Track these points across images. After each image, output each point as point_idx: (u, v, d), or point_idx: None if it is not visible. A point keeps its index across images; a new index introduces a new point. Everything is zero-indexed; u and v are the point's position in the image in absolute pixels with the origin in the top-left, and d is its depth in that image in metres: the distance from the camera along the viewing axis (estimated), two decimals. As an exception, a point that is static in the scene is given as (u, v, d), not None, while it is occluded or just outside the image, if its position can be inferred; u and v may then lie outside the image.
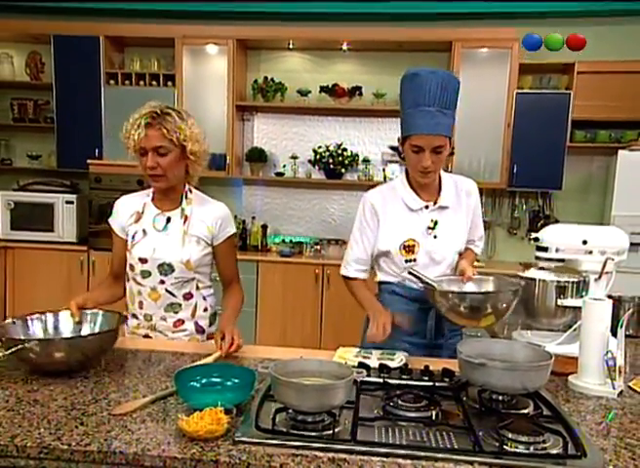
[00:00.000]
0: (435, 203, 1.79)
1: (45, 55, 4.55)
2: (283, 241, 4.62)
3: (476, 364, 1.26)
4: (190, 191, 1.83)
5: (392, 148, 1.82)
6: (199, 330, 1.86)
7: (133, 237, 1.78)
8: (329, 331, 4.19)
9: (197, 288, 1.83)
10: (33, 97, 4.66)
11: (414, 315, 1.77)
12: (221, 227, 1.81)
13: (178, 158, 1.70)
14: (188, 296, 1.82)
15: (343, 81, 4.34)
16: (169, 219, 1.78)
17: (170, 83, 4.36)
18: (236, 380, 1.28)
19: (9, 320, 1.46)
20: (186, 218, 1.77)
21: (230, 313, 1.86)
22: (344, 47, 4.30)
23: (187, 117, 1.72)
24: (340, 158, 4.41)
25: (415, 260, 1.77)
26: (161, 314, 1.79)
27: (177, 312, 1.80)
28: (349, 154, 4.46)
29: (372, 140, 4.58)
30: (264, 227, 4.56)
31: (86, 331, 1.50)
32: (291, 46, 4.40)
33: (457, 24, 4.17)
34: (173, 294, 1.79)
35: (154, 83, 4.37)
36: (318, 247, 4.46)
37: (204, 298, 1.88)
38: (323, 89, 4.33)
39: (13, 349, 1.28)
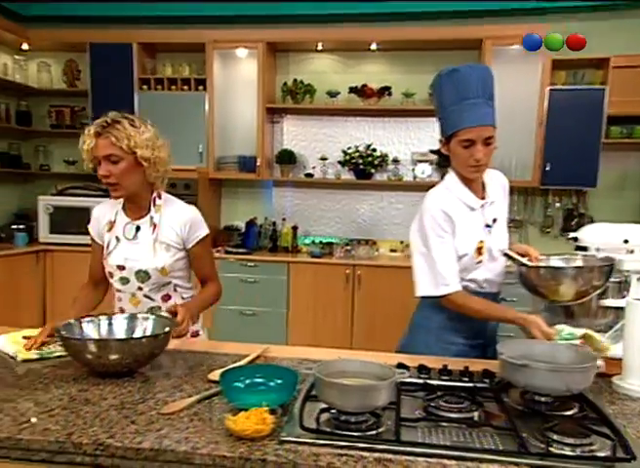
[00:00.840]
0: (484, 198, 1.77)
1: (81, 62, 4.68)
2: (313, 242, 4.64)
3: (519, 365, 1.25)
4: (159, 196, 1.83)
5: (433, 152, 1.77)
6: None
7: (107, 245, 1.82)
8: (360, 331, 4.19)
9: (175, 289, 1.86)
10: (70, 103, 4.79)
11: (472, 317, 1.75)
12: (191, 231, 1.81)
13: (131, 165, 1.70)
14: (166, 298, 1.85)
15: (372, 81, 4.34)
16: (138, 228, 1.81)
17: (201, 87, 4.43)
18: (279, 381, 1.30)
19: (67, 321, 1.50)
20: (155, 226, 1.79)
21: (195, 299, 1.88)
22: (373, 47, 4.31)
23: (142, 124, 1.72)
24: (370, 158, 4.41)
25: (481, 261, 1.74)
26: None
27: None
28: (379, 154, 4.46)
29: (401, 140, 4.57)
30: (295, 228, 4.60)
31: (138, 334, 1.54)
32: (319, 48, 4.42)
33: (487, 21, 4.14)
34: (151, 299, 1.83)
35: (185, 88, 4.45)
36: (348, 247, 4.47)
37: (182, 298, 1.89)
38: (352, 89, 4.34)
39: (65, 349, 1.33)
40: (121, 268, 1.78)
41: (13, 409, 1.19)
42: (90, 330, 1.52)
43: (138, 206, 1.81)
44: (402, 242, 4.61)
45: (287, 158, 4.54)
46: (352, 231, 4.73)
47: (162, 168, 1.78)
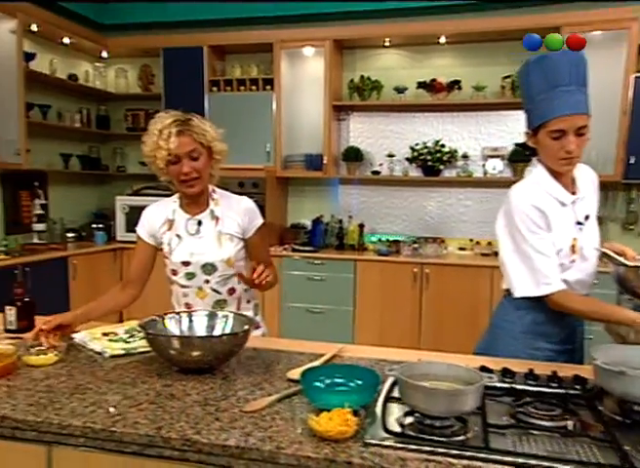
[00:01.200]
0: (574, 194, 1.66)
1: (155, 67, 4.86)
2: (380, 240, 4.60)
3: (615, 372, 1.17)
4: (214, 191, 1.88)
5: (519, 145, 1.68)
6: None
7: (169, 244, 1.83)
8: (428, 331, 4.11)
9: (239, 282, 1.86)
10: (144, 107, 4.99)
11: (562, 320, 1.67)
12: (250, 220, 1.85)
13: (207, 160, 1.76)
14: (232, 291, 1.87)
15: (442, 75, 4.24)
16: (200, 223, 1.83)
17: (268, 87, 4.48)
18: (359, 382, 1.28)
19: (151, 317, 1.55)
20: (217, 219, 1.82)
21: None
22: (442, 40, 4.20)
23: (206, 120, 1.77)
24: (439, 154, 4.31)
25: (574, 260, 1.63)
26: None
27: (223, 308, 1.83)
28: (447, 150, 4.36)
29: (471, 135, 4.44)
30: (361, 226, 4.57)
31: (218, 331, 1.56)
32: (387, 43, 4.36)
33: (564, 8, 3.93)
34: (218, 292, 1.84)
35: (253, 88, 4.52)
36: (416, 245, 4.39)
37: (245, 290, 1.91)
38: (420, 84, 4.25)
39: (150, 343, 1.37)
40: (186, 264, 1.81)
41: (105, 401, 1.24)
42: (172, 326, 1.56)
43: (197, 201, 1.84)
44: (471, 240, 4.49)
45: (353, 155, 4.52)
46: (420, 229, 4.64)
47: (223, 161, 1.84)
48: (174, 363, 1.43)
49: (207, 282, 1.82)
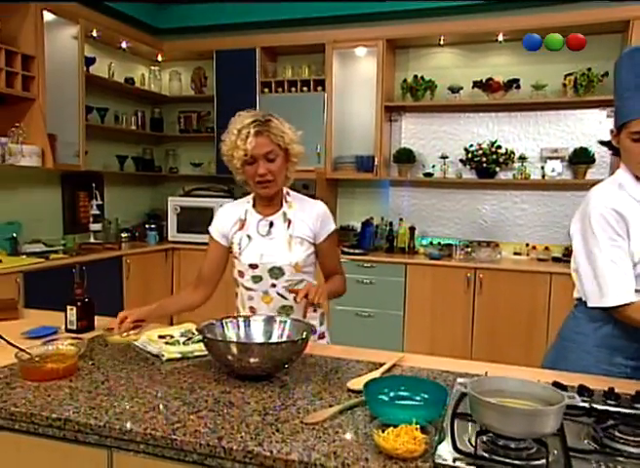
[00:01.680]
0: None
1: (208, 69, 4.92)
2: (431, 243, 4.49)
3: None
4: (288, 194, 1.85)
5: (602, 143, 1.57)
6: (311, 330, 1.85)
7: (239, 244, 1.81)
8: (481, 340, 3.97)
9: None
10: (196, 109, 5.05)
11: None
12: (322, 225, 1.82)
13: (284, 162, 1.74)
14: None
15: (499, 74, 4.10)
16: (272, 224, 1.80)
17: (319, 88, 4.45)
18: (425, 395, 1.21)
19: (209, 320, 1.53)
20: (290, 222, 1.79)
21: (327, 283, 1.86)
22: (500, 38, 4.06)
23: (285, 122, 1.75)
24: (494, 156, 4.17)
25: None
26: None
27: (289, 314, 1.79)
28: (504, 152, 4.21)
29: (528, 136, 4.27)
30: (412, 229, 4.47)
31: (275, 337, 1.53)
32: (441, 42, 4.25)
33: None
34: (284, 297, 1.80)
35: (305, 89, 4.50)
36: (468, 249, 4.27)
37: None
38: (476, 84, 4.13)
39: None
40: (253, 267, 1.79)
41: (165, 407, 1.22)
42: (230, 330, 1.53)
43: (271, 202, 1.82)
44: (527, 244, 4.32)
45: (405, 157, 4.43)
46: (473, 232, 4.50)
47: (299, 164, 1.81)
48: (231, 369, 1.41)
49: (273, 286, 1.79)
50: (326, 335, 1.94)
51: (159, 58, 5.00)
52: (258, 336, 1.55)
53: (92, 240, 4.33)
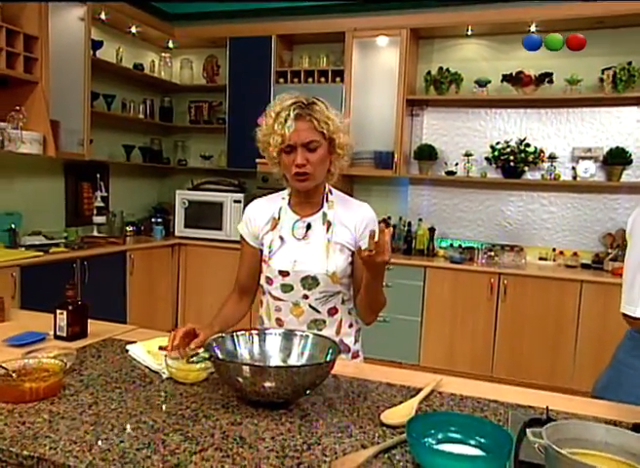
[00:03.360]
0: None
1: (221, 57, 4.70)
2: (452, 245, 4.26)
3: None
4: (331, 192, 1.60)
5: None
6: (344, 348, 1.62)
7: (269, 247, 1.57)
8: (503, 351, 3.73)
9: (342, 302, 1.59)
10: (208, 99, 4.84)
11: None
12: (365, 231, 1.54)
13: (326, 153, 1.49)
14: (333, 312, 1.59)
15: (530, 68, 3.85)
16: (309, 226, 1.56)
17: (338, 79, 4.22)
18: (482, 440, 0.98)
19: (218, 334, 1.31)
20: (329, 225, 1.55)
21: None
22: (532, 28, 3.80)
23: (332, 108, 1.51)
24: (523, 155, 3.92)
25: None
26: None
27: (320, 329, 1.57)
28: (532, 150, 3.96)
29: (560, 134, 4.02)
30: (431, 230, 4.23)
31: (295, 355, 1.31)
32: (469, 32, 4.01)
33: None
34: (317, 310, 1.56)
35: (322, 80, 4.27)
36: (492, 253, 4.03)
37: (349, 313, 1.63)
38: (505, 77, 3.88)
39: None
40: (284, 274, 1.55)
41: (162, 442, 1.00)
42: (242, 347, 1.31)
43: (309, 201, 1.58)
44: (554, 249, 4.07)
45: (427, 154, 4.19)
46: (496, 235, 4.26)
47: (347, 157, 1.56)
48: (243, 394, 1.19)
49: (305, 297, 1.55)
50: (360, 354, 1.70)
51: (170, 45, 4.78)
52: (274, 354, 1.32)
53: (95, 233, 4.13)
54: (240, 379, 1.15)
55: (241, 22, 4.49)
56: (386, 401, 1.26)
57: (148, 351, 1.47)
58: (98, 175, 4.21)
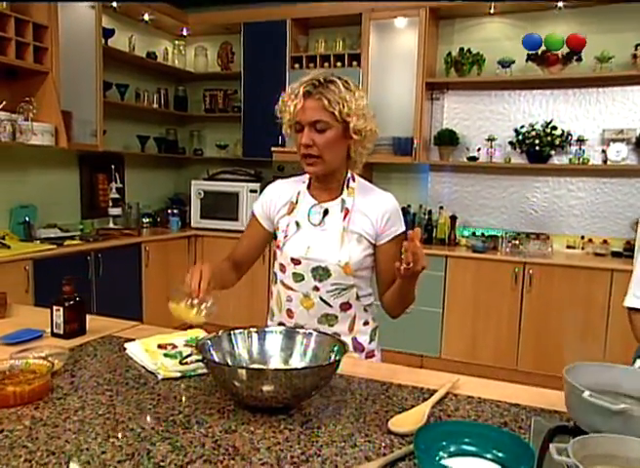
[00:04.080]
0: None
1: (235, 44, 4.60)
2: (474, 234, 4.11)
3: None
4: (353, 179, 1.50)
5: None
6: (358, 347, 1.53)
7: (284, 231, 1.50)
8: (528, 344, 3.58)
9: (357, 297, 1.49)
10: (223, 87, 4.75)
11: None
12: (388, 224, 1.46)
13: (339, 137, 1.39)
14: (346, 307, 1.49)
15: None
16: (326, 212, 1.48)
17: (355, 63, 4.08)
18: (500, 454, 0.88)
19: (214, 334, 1.23)
20: (347, 212, 1.46)
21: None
22: (560, 4, 3.60)
23: (355, 89, 1.41)
24: (549, 138, 3.73)
25: None
26: (314, 326, 1.47)
27: (332, 325, 1.48)
28: (559, 133, 3.77)
29: (589, 115, 3.82)
30: (453, 218, 4.09)
31: (296, 358, 1.21)
32: (492, 10, 3.82)
33: None
34: (328, 304, 1.47)
35: (339, 64, 4.14)
36: (516, 241, 3.87)
37: (364, 310, 1.53)
38: (530, 57, 3.69)
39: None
40: (296, 262, 1.47)
41: (147, 453, 0.92)
42: (240, 346, 1.22)
43: (328, 186, 1.49)
44: (582, 237, 3.89)
45: (447, 139, 4.04)
46: (521, 223, 4.10)
47: (370, 144, 1.46)
48: (239, 398, 1.10)
49: (316, 289, 1.47)
50: (376, 353, 1.60)
51: (184, 33, 4.70)
52: (275, 354, 1.23)
53: (111, 225, 4.10)
54: (236, 383, 1.05)
55: (255, 7, 4.37)
56: (396, 405, 1.15)
57: (146, 350, 1.39)
58: (112, 167, 4.17)
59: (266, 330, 1.27)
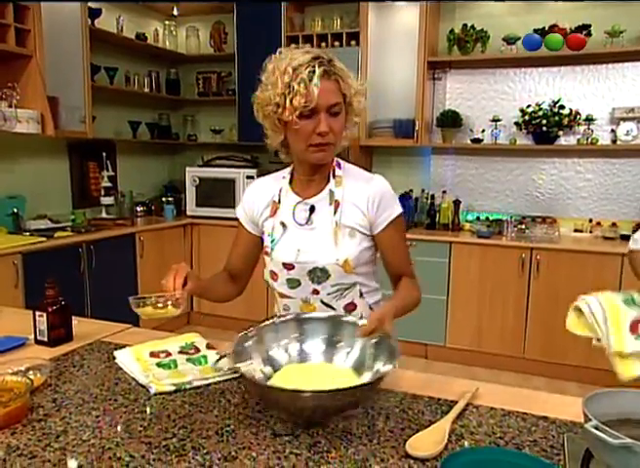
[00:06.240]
0: None
1: (228, 24, 4.42)
2: (478, 219, 3.99)
3: None
4: (339, 166, 1.36)
5: None
6: None
7: (270, 236, 1.36)
8: (535, 332, 3.49)
9: (361, 295, 1.37)
10: (216, 69, 4.58)
11: None
12: (380, 210, 1.32)
13: (344, 120, 1.28)
14: (351, 308, 1.37)
15: (564, 20, 3.51)
16: (312, 209, 1.34)
17: (353, 42, 3.92)
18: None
19: (245, 332, 1.12)
20: (337, 205, 1.32)
21: (394, 299, 1.29)
22: (568, -24, 3.44)
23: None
24: (557, 118, 3.59)
25: None
26: None
27: None
28: (567, 112, 3.63)
29: (597, 93, 3.68)
30: (456, 203, 3.96)
31: (341, 357, 1.12)
32: (496, -16, 3.65)
33: None
34: (331, 307, 1.35)
35: (336, 43, 3.98)
36: (522, 226, 3.75)
37: (370, 307, 1.41)
38: (537, 32, 3.53)
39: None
40: (289, 267, 1.33)
41: (133, 492, 0.81)
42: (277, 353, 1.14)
43: (314, 178, 1.35)
44: (591, 220, 3.78)
45: (450, 120, 3.89)
46: (527, 207, 3.98)
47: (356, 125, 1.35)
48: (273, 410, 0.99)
49: (316, 293, 1.34)
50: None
51: (174, 12, 4.51)
52: (315, 351, 1.17)
53: (103, 215, 3.96)
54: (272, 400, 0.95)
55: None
56: (412, 420, 1.04)
57: (138, 359, 1.28)
58: (104, 154, 4.02)
59: (312, 316, 1.20)
